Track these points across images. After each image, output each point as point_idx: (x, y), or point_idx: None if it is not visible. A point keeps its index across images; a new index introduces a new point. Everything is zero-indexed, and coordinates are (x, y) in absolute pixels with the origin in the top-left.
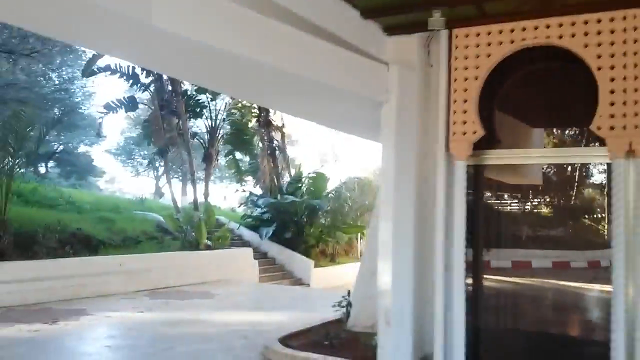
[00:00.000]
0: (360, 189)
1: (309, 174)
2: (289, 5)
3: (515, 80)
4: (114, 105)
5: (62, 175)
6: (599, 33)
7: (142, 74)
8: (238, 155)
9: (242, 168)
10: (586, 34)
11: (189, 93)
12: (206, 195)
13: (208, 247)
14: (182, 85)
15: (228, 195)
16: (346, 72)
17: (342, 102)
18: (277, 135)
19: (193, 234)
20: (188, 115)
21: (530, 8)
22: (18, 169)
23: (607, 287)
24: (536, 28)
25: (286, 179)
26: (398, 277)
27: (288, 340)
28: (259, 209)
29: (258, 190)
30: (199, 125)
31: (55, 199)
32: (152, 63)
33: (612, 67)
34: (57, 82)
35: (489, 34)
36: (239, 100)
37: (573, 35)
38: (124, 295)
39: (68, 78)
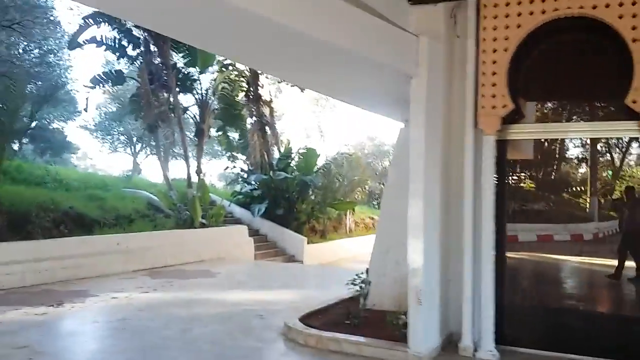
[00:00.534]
0: (349, 164)
1: (299, 149)
2: None
3: (543, 52)
4: (100, 79)
5: (37, 152)
6: (634, 4)
7: (128, 46)
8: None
9: (234, 144)
10: (621, 4)
11: (178, 66)
12: (199, 172)
13: (202, 225)
14: (171, 57)
15: (209, 171)
16: (378, 42)
17: (371, 75)
18: (265, 111)
19: (187, 212)
20: (178, 89)
21: None
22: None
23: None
24: None
25: (275, 154)
26: (429, 256)
27: (307, 319)
28: (248, 186)
29: (244, 167)
30: (187, 100)
31: (42, 176)
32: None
33: None
34: (37, 55)
35: (519, 3)
36: (227, 74)
37: (607, 6)
38: (124, 275)
39: (48, 50)
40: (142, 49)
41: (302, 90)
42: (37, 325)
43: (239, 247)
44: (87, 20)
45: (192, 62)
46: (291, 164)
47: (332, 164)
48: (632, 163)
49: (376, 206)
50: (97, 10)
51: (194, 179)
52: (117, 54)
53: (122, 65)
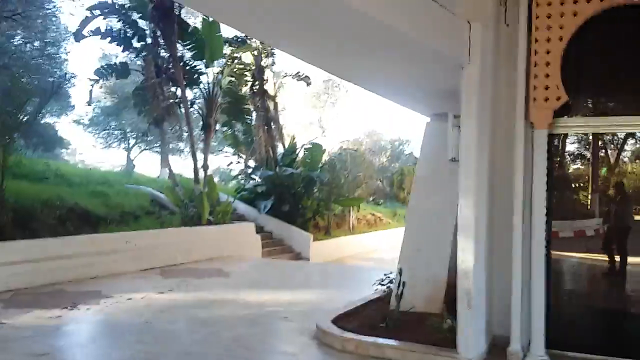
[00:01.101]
0: (353, 160)
1: (304, 145)
2: None
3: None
4: (104, 72)
5: (29, 146)
6: None
7: (134, 38)
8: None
9: (240, 139)
10: None
11: (185, 59)
12: (206, 168)
13: (209, 223)
14: (178, 50)
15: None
16: (432, 27)
17: (418, 63)
18: (270, 105)
19: (194, 208)
20: (185, 83)
21: None
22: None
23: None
24: None
25: (279, 150)
26: (479, 257)
27: (338, 322)
28: (251, 182)
29: (248, 162)
30: (193, 94)
31: (43, 172)
32: None
33: None
34: (38, 47)
35: None
36: (233, 67)
37: None
38: (135, 274)
39: (48, 43)
40: (148, 40)
41: (309, 84)
42: (54, 330)
43: (246, 244)
44: (92, 12)
45: (198, 55)
46: (296, 160)
47: (336, 160)
48: (625, 159)
49: (374, 203)
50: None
51: (174, 174)
52: (122, 45)
53: (121, 58)
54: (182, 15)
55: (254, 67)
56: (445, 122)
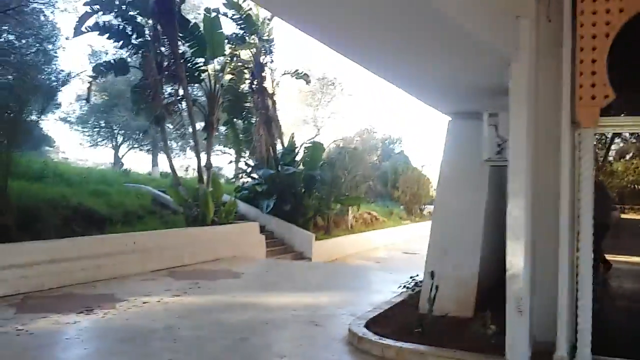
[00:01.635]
0: (351, 158)
1: (303, 143)
2: None
3: None
4: (103, 69)
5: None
6: None
7: (133, 34)
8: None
9: (240, 138)
10: None
11: (185, 56)
12: (209, 166)
13: (213, 223)
14: (179, 47)
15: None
16: (482, 19)
17: (467, 57)
18: (269, 103)
19: (198, 208)
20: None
21: None
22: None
23: None
24: None
25: (278, 148)
26: (528, 260)
27: (370, 326)
28: (251, 181)
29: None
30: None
31: (41, 170)
32: None
33: None
34: (32, 44)
35: None
36: (232, 64)
37: None
38: (143, 276)
39: (42, 39)
40: (148, 37)
41: (308, 82)
42: (74, 337)
43: (251, 244)
44: (92, 7)
45: (199, 52)
46: (295, 159)
47: (336, 158)
48: (610, 159)
49: (367, 201)
50: None
51: (177, 173)
52: (121, 42)
53: (112, 55)
54: (183, 12)
55: (253, 65)
56: (470, 120)
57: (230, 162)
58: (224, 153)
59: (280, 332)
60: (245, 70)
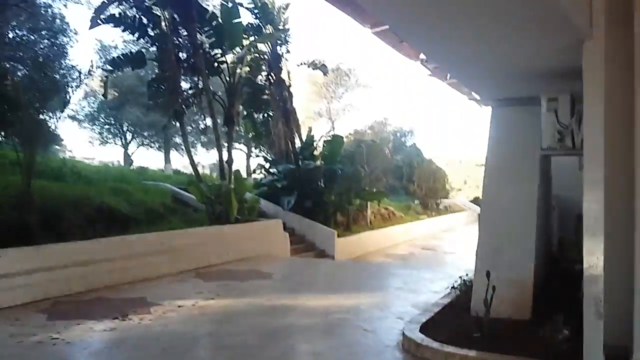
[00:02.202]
0: (370, 152)
1: (322, 137)
2: None
3: None
4: (119, 63)
5: (21, 143)
6: None
7: (149, 25)
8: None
9: (260, 132)
10: None
11: (203, 47)
12: (230, 162)
13: (236, 220)
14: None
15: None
16: None
17: (523, 34)
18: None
19: (220, 205)
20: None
21: None
22: None
23: None
24: None
25: (297, 142)
26: (608, 259)
27: (424, 331)
28: (269, 176)
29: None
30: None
31: (59, 168)
32: None
33: None
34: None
35: None
36: (249, 55)
37: None
38: (171, 278)
39: (53, 33)
40: (164, 28)
41: (325, 73)
42: (113, 345)
43: (275, 243)
44: None
45: (217, 43)
46: (314, 153)
47: (355, 152)
48: None
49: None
50: None
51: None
52: (137, 34)
53: (121, 49)
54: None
55: (269, 56)
56: (518, 106)
57: (249, 157)
58: (235, 149)
59: (329, 338)
60: (262, 62)
